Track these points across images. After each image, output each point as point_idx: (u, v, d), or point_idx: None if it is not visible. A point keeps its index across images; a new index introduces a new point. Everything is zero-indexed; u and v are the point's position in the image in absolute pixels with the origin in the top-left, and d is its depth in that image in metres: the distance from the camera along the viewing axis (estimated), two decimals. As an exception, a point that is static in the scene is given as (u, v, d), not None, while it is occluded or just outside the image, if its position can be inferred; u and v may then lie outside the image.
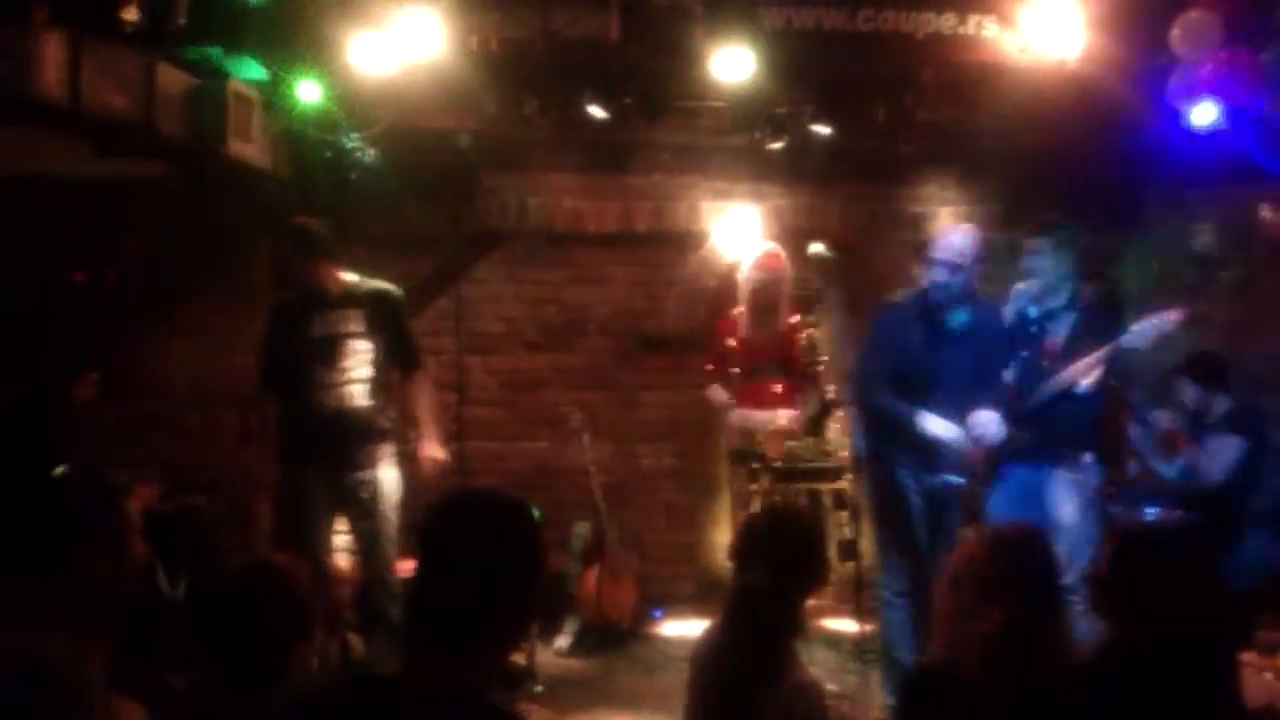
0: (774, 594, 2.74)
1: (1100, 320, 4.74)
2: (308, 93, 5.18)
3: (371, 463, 4.71)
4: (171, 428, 5.56)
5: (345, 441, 4.67)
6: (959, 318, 4.76)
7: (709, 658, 2.86)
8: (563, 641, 5.72)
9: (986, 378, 4.70)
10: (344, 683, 2.15)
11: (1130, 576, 2.52)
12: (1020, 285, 5.14)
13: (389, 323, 4.84)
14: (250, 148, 5.07)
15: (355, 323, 4.75)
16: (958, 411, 4.60)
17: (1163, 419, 5.49)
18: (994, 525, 2.74)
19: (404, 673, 1.87)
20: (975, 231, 4.91)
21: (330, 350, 4.69)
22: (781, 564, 2.80)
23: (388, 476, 4.75)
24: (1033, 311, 4.92)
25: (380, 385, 4.78)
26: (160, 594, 4.26)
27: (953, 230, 5.02)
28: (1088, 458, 4.70)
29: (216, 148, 4.83)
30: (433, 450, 4.84)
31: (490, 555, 1.91)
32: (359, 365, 4.72)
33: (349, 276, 4.83)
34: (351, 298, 4.78)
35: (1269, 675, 3.54)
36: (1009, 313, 5.13)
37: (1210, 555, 2.61)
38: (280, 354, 4.76)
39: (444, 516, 1.98)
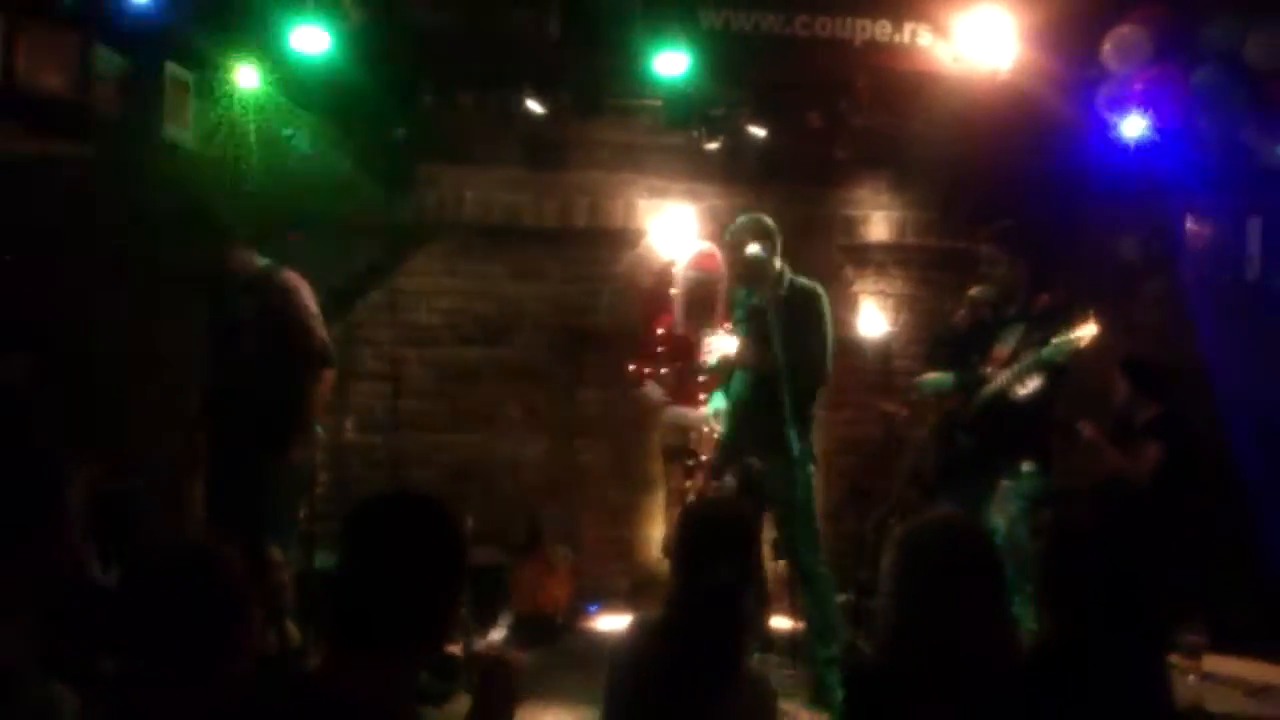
0: (739, 588, 2.74)
1: (1051, 331, 4.70)
2: (246, 79, 5.12)
3: (275, 449, 4.74)
4: (104, 409, 5.43)
5: (252, 426, 4.70)
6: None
7: (653, 657, 2.75)
8: (497, 634, 5.71)
9: None
10: (258, 683, 2.13)
11: (1061, 570, 2.58)
12: (974, 290, 5.23)
13: (281, 311, 4.85)
14: (184, 132, 5.01)
15: (254, 309, 4.79)
16: None
17: (1086, 426, 5.58)
18: (932, 517, 2.74)
19: (320, 671, 1.90)
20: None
21: (237, 334, 4.74)
22: (734, 557, 2.79)
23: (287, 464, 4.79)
24: (988, 319, 4.99)
25: (281, 372, 4.80)
26: (92, 578, 4.16)
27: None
28: (1027, 466, 4.76)
29: (150, 130, 4.76)
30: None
31: (413, 557, 1.97)
32: (261, 351, 4.75)
33: (256, 262, 4.86)
34: (252, 284, 4.81)
35: (1193, 677, 3.62)
36: (961, 319, 5.21)
37: (1142, 553, 2.66)
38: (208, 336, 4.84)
39: (370, 516, 2.02)
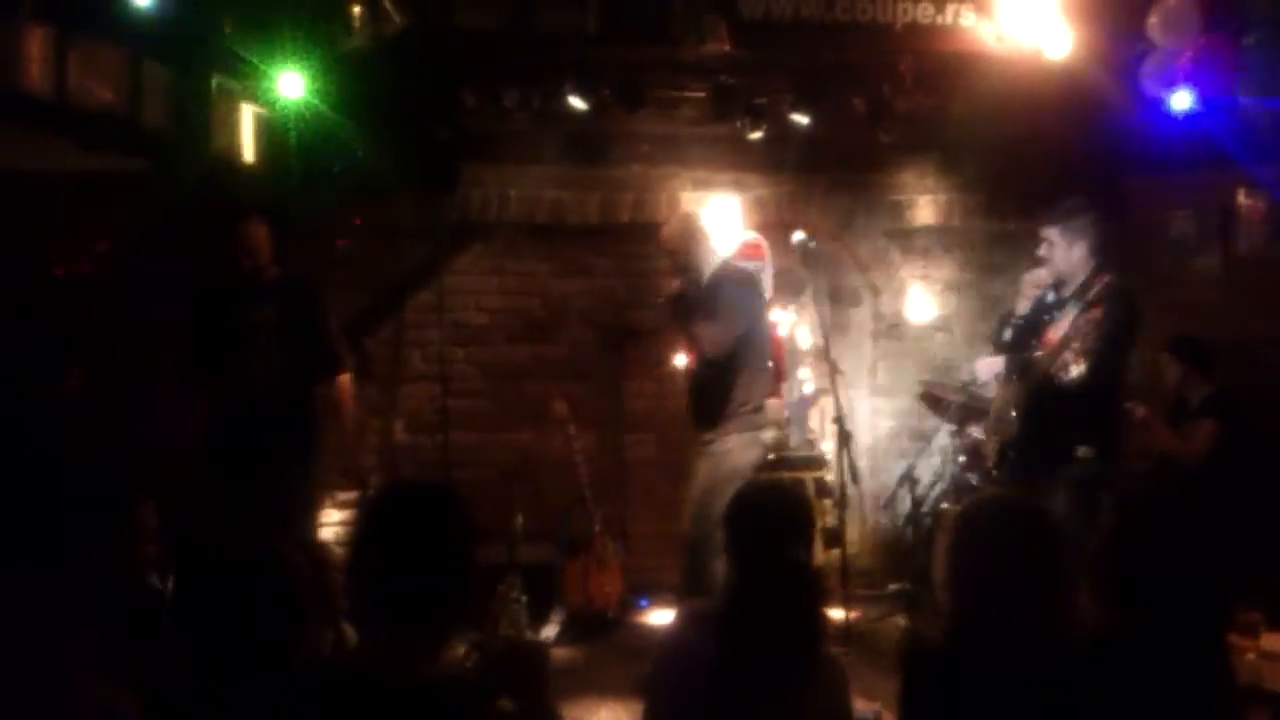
0: (810, 568, 2.72)
1: (1110, 314, 4.56)
2: (289, 87, 5.18)
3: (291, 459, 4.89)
4: (155, 421, 5.54)
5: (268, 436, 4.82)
6: None
7: (713, 648, 2.65)
8: (550, 631, 5.74)
9: None
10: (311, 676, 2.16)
11: (1122, 550, 2.55)
12: (1031, 273, 5.18)
13: (305, 318, 5.00)
14: (234, 141, 5.07)
15: (277, 315, 4.93)
16: None
17: (1137, 407, 5.49)
18: (986, 498, 2.70)
19: (362, 659, 1.95)
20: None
21: (255, 341, 4.86)
22: (798, 538, 2.77)
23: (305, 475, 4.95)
24: (1049, 299, 4.93)
25: (301, 381, 4.97)
26: (149, 585, 4.24)
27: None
28: (1082, 450, 4.68)
29: (200, 142, 4.84)
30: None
31: (416, 538, 2.07)
32: (281, 358, 4.88)
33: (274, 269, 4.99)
34: (275, 290, 4.93)
35: (1251, 655, 3.58)
36: (1023, 302, 5.16)
37: (1200, 532, 2.63)
38: (209, 342, 4.90)
39: (377, 505, 2.08)
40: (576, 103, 5.97)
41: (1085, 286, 4.74)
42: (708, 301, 5.02)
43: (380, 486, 2.21)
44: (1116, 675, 2.37)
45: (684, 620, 2.97)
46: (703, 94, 6.28)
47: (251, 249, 4.88)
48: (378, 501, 2.13)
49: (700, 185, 6.69)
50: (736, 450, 5.05)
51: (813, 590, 2.71)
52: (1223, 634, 2.71)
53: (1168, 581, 2.47)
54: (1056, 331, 4.75)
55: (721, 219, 6.61)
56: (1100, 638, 2.51)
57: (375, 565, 2.03)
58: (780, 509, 2.89)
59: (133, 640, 3.26)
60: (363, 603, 2.02)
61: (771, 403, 5.99)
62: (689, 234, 5.16)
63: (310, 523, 5.24)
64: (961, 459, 5.82)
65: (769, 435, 5.52)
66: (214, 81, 4.88)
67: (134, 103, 4.59)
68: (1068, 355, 4.60)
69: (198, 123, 4.81)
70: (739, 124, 6.24)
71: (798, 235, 5.86)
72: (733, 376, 5.05)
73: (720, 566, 3.94)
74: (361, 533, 2.10)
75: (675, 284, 5.24)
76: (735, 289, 5.09)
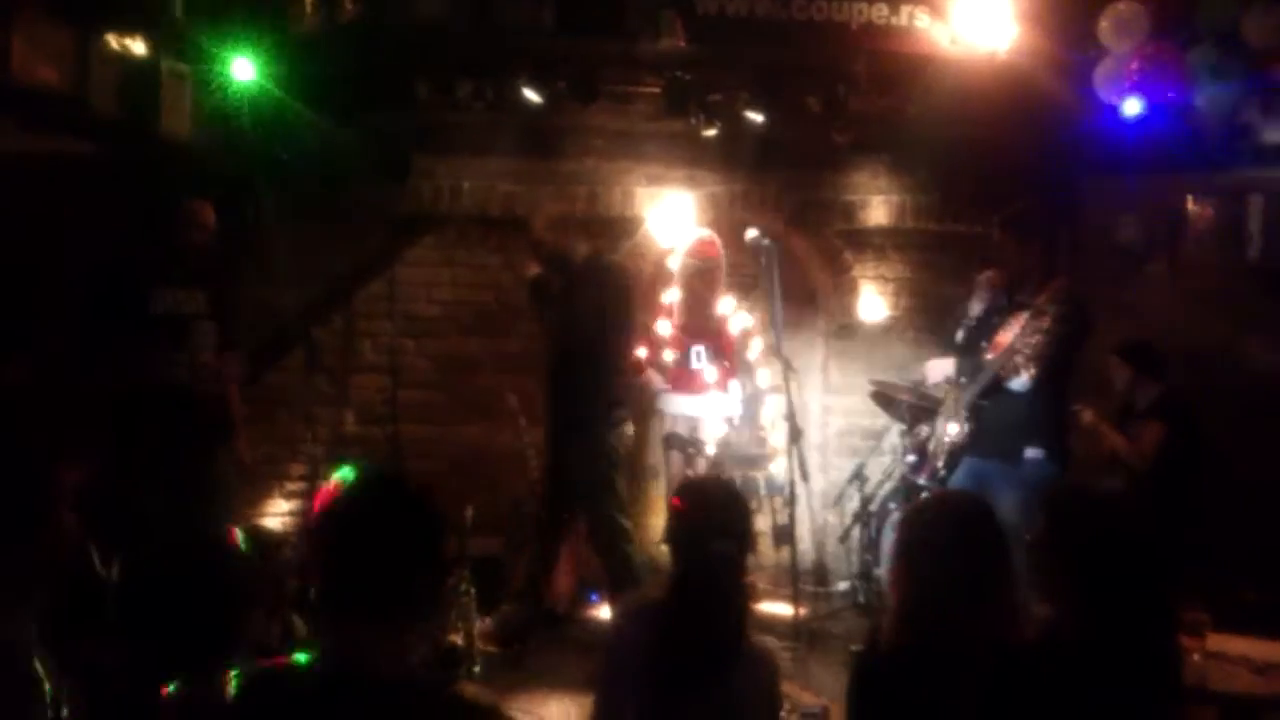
0: (737, 562, 2.73)
1: (1060, 320, 4.62)
2: (241, 71, 5.10)
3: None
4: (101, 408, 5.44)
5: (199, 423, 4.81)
6: None
7: (651, 639, 2.73)
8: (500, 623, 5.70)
9: None
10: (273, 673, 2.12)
11: (1061, 549, 2.57)
12: (984, 275, 5.21)
13: (228, 304, 5.04)
14: (183, 126, 4.99)
15: (208, 300, 4.93)
16: None
17: (1084, 411, 5.55)
18: (934, 497, 2.71)
19: (331, 654, 1.91)
20: None
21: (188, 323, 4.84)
22: (730, 532, 2.77)
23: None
24: (1001, 302, 4.97)
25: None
26: (94, 574, 4.16)
27: None
28: (1031, 453, 4.72)
29: (149, 125, 4.75)
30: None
31: (387, 534, 2.01)
32: (204, 345, 4.88)
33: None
34: (208, 274, 4.93)
35: (1197, 656, 3.61)
36: (975, 304, 5.19)
37: (1143, 531, 2.65)
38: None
39: (351, 501, 2.03)
40: (531, 95, 5.94)
41: (1036, 290, 4.78)
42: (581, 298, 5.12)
43: (351, 477, 2.13)
44: (1061, 672, 2.38)
45: (625, 613, 2.99)
46: (657, 89, 6.26)
47: (203, 223, 4.84)
48: (352, 493, 2.07)
49: (654, 181, 6.67)
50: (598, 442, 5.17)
51: (735, 584, 2.72)
52: (1170, 633, 2.73)
53: (1104, 577, 2.48)
54: (1007, 335, 4.79)
55: (675, 215, 6.62)
56: (1045, 634, 2.53)
57: (351, 560, 1.98)
58: (708, 502, 2.92)
59: (74, 629, 3.21)
60: (333, 598, 1.97)
61: (722, 399, 6.02)
62: (557, 227, 5.27)
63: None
64: (910, 459, 5.87)
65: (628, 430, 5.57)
66: (164, 64, 4.79)
67: (81, 84, 4.50)
68: (1017, 360, 4.65)
69: (146, 106, 4.71)
70: (693, 120, 6.24)
71: (751, 233, 5.87)
72: (592, 372, 5.14)
73: None
74: (334, 527, 2.04)
75: (534, 269, 5.34)
76: (595, 290, 5.18)
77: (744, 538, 2.82)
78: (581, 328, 5.10)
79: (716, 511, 2.82)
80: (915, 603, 2.43)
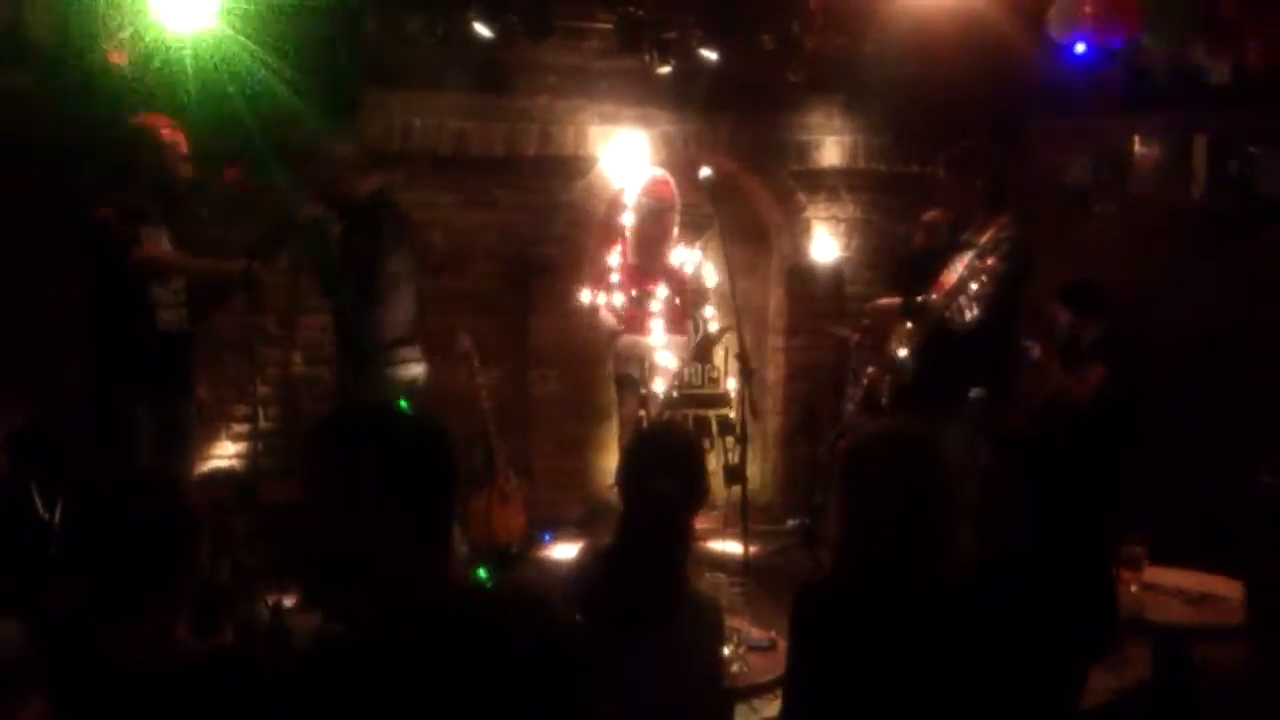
0: (677, 503, 2.75)
1: (1005, 258, 4.60)
2: (182, 2, 4.97)
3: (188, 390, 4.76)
4: (42, 347, 5.34)
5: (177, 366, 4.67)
6: None
7: (600, 581, 2.76)
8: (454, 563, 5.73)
9: None
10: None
11: (998, 481, 2.62)
12: (928, 214, 5.20)
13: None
14: (122, 57, 4.86)
15: (175, 239, 4.73)
16: None
17: (1034, 348, 5.63)
18: (876, 429, 2.71)
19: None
20: None
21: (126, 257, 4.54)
22: (672, 473, 2.79)
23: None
24: (945, 240, 4.97)
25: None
26: (35, 516, 4.13)
27: None
28: (975, 391, 4.76)
29: (87, 56, 4.62)
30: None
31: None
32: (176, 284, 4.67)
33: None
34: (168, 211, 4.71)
35: (1134, 588, 3.70)
36: (919, 242, 5.19)
37: (1078, 465, 2.70)
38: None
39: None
40: (482, 30, 5.84)
41: (980, 229, 4.80)
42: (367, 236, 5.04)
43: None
44: (997, 604, 2.42)
45: (580, 554, 3.02)
46: (611, 26, 6.19)
47: (184, 153, 4.62)
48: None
49: (607, 119, 6.61)
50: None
51: (674, 524, 2.74)
52: (1104, 565, 2.79)
53: (1042, 509, 2.54)
54: (951, 274, 4.79)
55: (628, 154, 6.57)
56: (982, 567, 2.57)
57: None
58: (654, 446, 2.94)
59: (14, 571, 3.19)
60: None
61: (674, 339, 6.03)
62: (344, 166, 5.17)
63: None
64: (858, 397, 5.91)
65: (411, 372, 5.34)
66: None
67: (18, 16, 4.38)
68: (962, 300, 4.66)
69: (85, 36, 4.59)
70: (647, 58, 6.18)
71: (704, 172, 5.84)
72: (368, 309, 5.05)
73: None
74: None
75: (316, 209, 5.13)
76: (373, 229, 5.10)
77: (691, 480, 2.83)
78: (359, 266, 5.00)
79: (664, 454, 2.83)
80: (852, 534, 2.45)
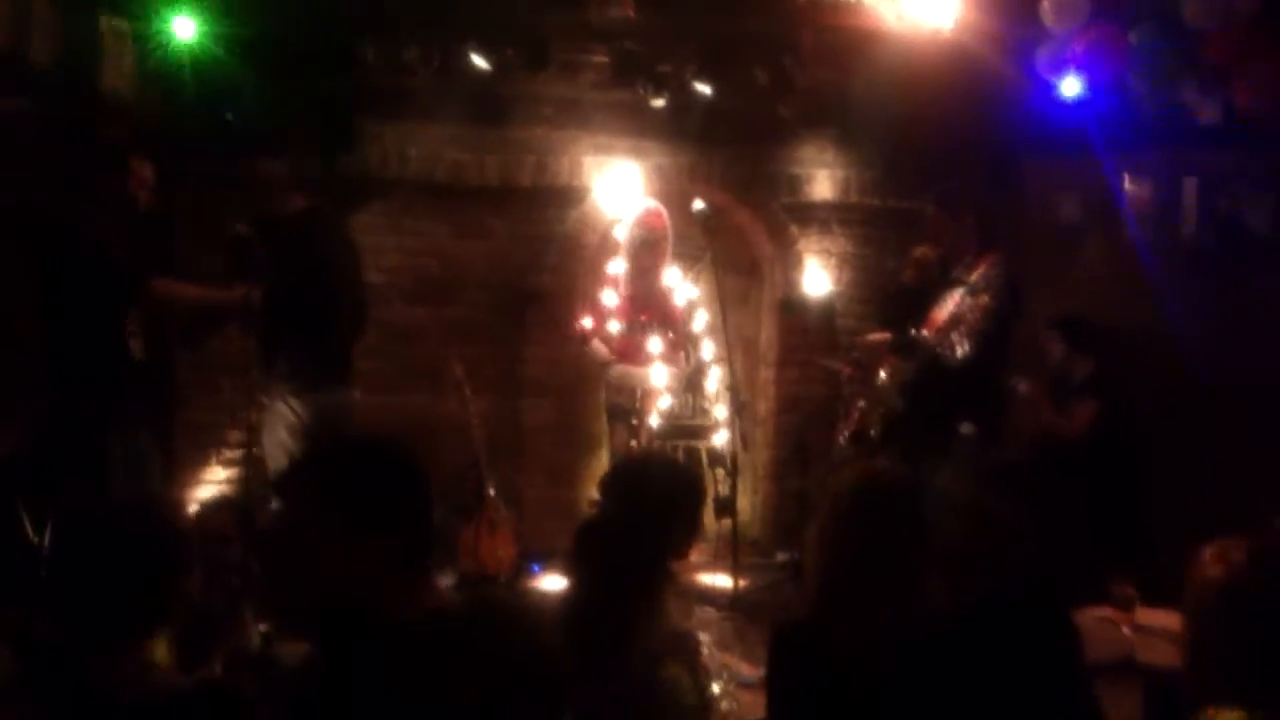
0: (626, 527, 2.69)
1: (996, 296, 4.64)
2: (182, 30, 5.02)
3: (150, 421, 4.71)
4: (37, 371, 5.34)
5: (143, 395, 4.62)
6: None
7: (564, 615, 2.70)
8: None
9: None
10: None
11: (993, 517, 2.60)
12: (919, 250, 5.22)
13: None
14: (123, 83, 4.90)
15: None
16: None
17: (1022, 384, 5.65)
18: (863, 475, 2.69)
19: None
20: None
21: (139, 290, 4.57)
22: (642, 504, 2.75)
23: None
24: (935, 276, 4.99)
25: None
26: (25, 541, 4.10)
27: None
28: (965, 428, 4.77)
29: (89, 82, 4.65)
30: None
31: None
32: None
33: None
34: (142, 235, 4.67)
35: (1126, 629, 3.69)
36: (909, 278, 5.20)
37: (1071, 502, 2.69)
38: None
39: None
40: (479, 62, 5.89)
41: (970, 266, 4.83)
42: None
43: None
44: (965, 650, 2.39)
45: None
46: (606, 59, 6.25)
47: (145, 182, 4.59)
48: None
49: (601, 150, 6.65)
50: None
51: (634, 554, 2.66)
52: (1067, 609, 2.73)
53: (1029, 553, 2.50)
54: (942, 311, 4.83)
55: (622, 186, 6.61)
56: (956, 612, 2.54)
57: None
58: (622, 473, 2.90)
59: (6, 595, 3.17)
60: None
61: (666, 370, 6.05)
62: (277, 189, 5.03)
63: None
64: (848, 431, 5.93)
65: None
66: (103, 21, 4.69)
67: (20, 40, 4.40)
68: (954, 336, 4.69)
69: (86, 62, 4.62)
70: (641, 91, 6.24)
71: (697, 204, 5.90)
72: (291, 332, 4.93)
73: None
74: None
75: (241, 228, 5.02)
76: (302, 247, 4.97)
77: (667, 512, 2.79)
78: (284, 287, 4.87)
79: (618, 483, 2.80)
80: (825, 573, 2.44)
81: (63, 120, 4.82)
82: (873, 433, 5.31)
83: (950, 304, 4.76)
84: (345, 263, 5.14)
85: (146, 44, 5.09)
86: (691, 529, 2.94)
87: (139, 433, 4.63)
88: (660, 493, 2.85)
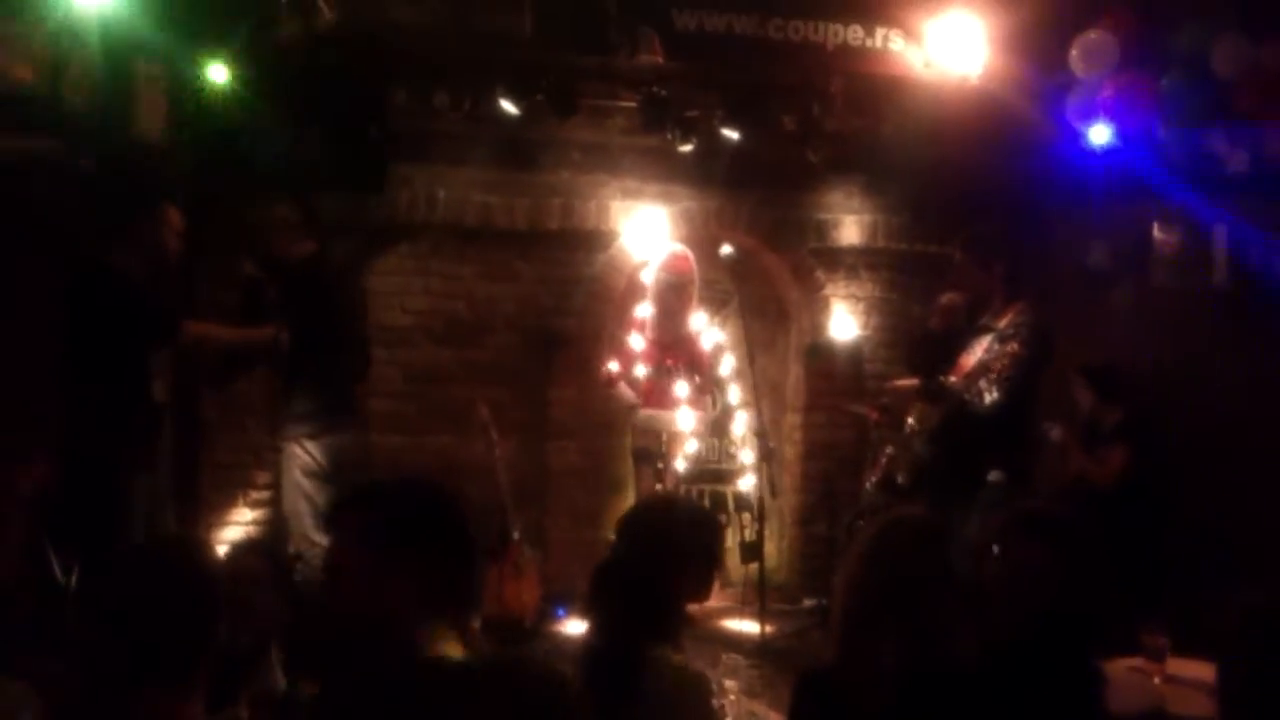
0: (639, 569, 2.68)
1: (1025, 344, 4.62)
2: (216, 75, 5.08)
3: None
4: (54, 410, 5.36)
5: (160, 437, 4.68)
6: None
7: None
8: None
9: None
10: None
11: (1019, 564, 2.56)
12: (946, 297, 5.20)
13: None
14: (156, 127, 4.96)
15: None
16: None
17: (1053, 430, 5.60)
18: (890, 519, 2.66)
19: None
20: None
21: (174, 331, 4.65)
22: (656, 546, 2.74)
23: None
24: (964, 323, 4.98)
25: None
26: (52, 580, 4.11)
27: None
28: (994, 475, 4.74)
29: (123, 127, 4.72)
30: None
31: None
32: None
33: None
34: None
35: (1157, 679, 3.63)
36: (936, 324, 5.18)
37: (1098, 551, 2.64)
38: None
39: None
40: (508, 107, 5.95)
41: (998, 313, 4.81)
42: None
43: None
44: (992, 702, 2.36)
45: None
46: (634, 104, 6.29)
47: (176, 229, 4.67)
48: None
49: (629, 195, 6.69)
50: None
51: (627, 589, 2.69)
52: (1093, 658, 2.70)
53: (1052, 605, 2.46)
54: (970, 358, 4.80)
55: (649, 230, 6.64)
56: (983, 663, 2.50)
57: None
58: (636, 516, 2.88)
59: (30, 637, 3.18)
60: None
61: (692, 414, 6.04)
62: (279, 227, 5.14)
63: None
64: (875, 477, 5.90)
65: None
66: (138, 66, 4.77)
67: (56, 85, 4.48)
68: (982, 383, 4.66)
69: (120, 107, 4.69)
70: (669, 136, 6.27)
71: (725, 249, 5.91)
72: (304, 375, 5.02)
73: None
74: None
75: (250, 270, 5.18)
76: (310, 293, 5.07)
77: (682, 554, 2.76)
78: (294, 328, 4.97)
79: (632, 525, 2.79)
80: (850, 618, 2.41)
81: (96, 164, 4.88)
82: (900, 479, 5.28)
83: (979, 350, 4.74)
84: (349, 306, 5.19)
85: (180, 89, 5.16)
86: (708, 571, 2.91)
87: (156, 471, 4.66)
88: (675, 535, 2.83)
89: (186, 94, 5.21)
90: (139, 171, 4.98)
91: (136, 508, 4.45)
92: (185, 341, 4.65)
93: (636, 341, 6.17)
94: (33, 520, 4.43)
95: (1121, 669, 3.60)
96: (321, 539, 4.82)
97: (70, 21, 4.40)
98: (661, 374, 6.07)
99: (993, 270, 4.85)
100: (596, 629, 2.71)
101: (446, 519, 2.07)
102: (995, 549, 2.59)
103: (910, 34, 6.12)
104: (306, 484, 4.96)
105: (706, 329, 6.46)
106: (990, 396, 4.58)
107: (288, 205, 5.17)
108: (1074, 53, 5.60)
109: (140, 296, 4.50)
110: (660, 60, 6.16)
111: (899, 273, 7.12)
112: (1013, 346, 4.57)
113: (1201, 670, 3.78)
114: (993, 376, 4.59)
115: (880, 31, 6.20)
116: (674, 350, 6.10)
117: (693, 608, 2.96)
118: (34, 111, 4.43)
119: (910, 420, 5.29)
